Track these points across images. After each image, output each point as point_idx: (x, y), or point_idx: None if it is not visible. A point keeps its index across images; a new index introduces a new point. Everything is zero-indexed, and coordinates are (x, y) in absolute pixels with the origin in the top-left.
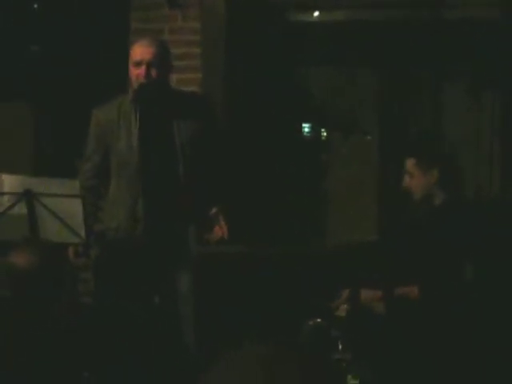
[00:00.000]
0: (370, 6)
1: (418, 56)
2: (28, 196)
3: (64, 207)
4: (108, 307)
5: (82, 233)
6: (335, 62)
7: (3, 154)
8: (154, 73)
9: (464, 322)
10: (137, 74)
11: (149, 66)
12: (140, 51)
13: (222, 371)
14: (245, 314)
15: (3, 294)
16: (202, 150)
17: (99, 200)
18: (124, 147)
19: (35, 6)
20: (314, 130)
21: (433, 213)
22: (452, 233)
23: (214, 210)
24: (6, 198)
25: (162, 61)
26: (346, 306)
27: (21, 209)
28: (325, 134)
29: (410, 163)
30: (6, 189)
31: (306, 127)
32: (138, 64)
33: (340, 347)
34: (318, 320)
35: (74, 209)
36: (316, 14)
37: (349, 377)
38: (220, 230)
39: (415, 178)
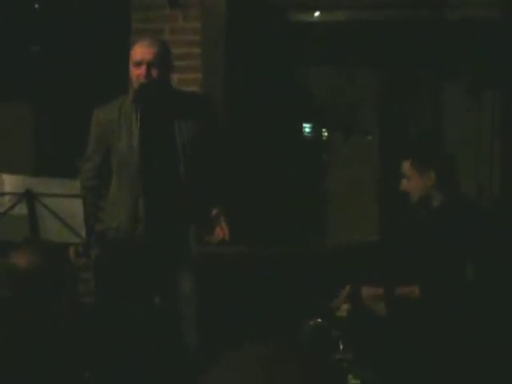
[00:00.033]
0: (371, 6)
1: (418, 56)
2: (29, 196)
3: (64, 207)
4: (108, 307)
5: (83, 233)
6: (335, 62)
7: (4, 154)
8: (154, 73)
9: (464, 322)
10: (137, 74)
11: (149, 66)
12: (140, 51)
13: (222, 371)
14: (245, 314)
15: (3, 294)
16: (202, 150)
17: (100, 200)
18: (125, 147)
19: (36, 6)
20: (315, 129)
21: (431, 214)
22: (451, 233)
23: (214, 211)
24: (6, 198)
25: (162, 61)
26: (346, 306)
27: (21, 209)
28: (325, 134)
29: (406, 165)
30: (7, 189)
31: (307, 127)
32: (138, 64)
33: (341, 347)
34: (319, 320)
35: (74, 209)
36: (316, 14)
37: (350, 377)
38: (221, 231)
39: (412, 181)
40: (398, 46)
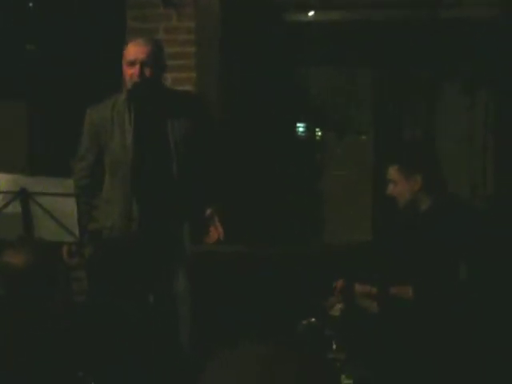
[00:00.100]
0: (370, 6)
1: (417, 56)
2: (23, 195)
3: (59, 206)
4: (102, 306)
5: (77, 232)
6: (334, 62)
7: None
8: (147, 72)
9: (458, 321)
10: (131, 73)
11: (143, 65)
12: (134, 51)
13: (221, 371)
14: (244, 314)
15: None
16: (195, 149)
17: (93, 199)
18: (118, 146)
19: (33, 5)
20: (311, 129)
21: (422, 217)
22: (443, 234)
23: (208, 211)
24: (0, 196)
25: (155, 60)
26: (340, 305)
27: (15, 208)
28: (319, 133)
29: (392, 170)
30: (1, 188)
31: (304, 127)
32: (131, 63)
33: (334, 347)
34: (312, 319)
35: (68, 208)
36: (313, 13)
37: (343, 376)
38: (216, 232)
39: (399, 185)
40: (398, 46)
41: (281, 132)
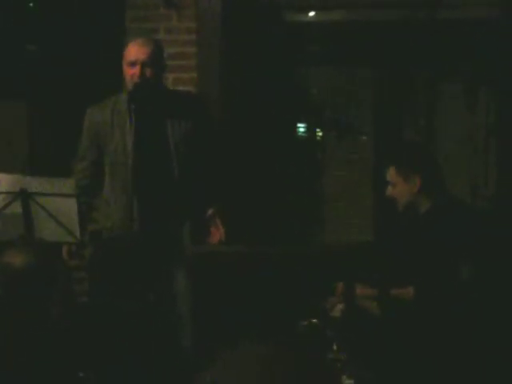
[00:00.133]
0: (370, 6)
1: (417, 56)
2: (23, 195)
3: (59, 207)
4: (102, 306)
5: (77, 232)
6: (335, 62)
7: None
8: (148, 73)
9: (460, 321)
10: (131, 73)
11: (143, 65)
12: (134, 51)
13: (221, 371)
14: (244, 314)
15: None
16: (196, 149)
17: (93, 199)
18: (118, 146)
19: (33, 5)
20: (312, 129)
21: (422, 218)
22: (444, 234)
23: (210, 211)
24: (0, 197)
25: (156, 60)
26: (341, 306)
27: (16, 208)
28: (320, 134)
29: (391, 172)
30: (2, 188)
31: (305, 127)
32: (132, 64)
33: (335, 347)
34: (313, 320)
35: (69, 208)
36: (313, 14)
37: (343, 377)
38: (217, 233)
39: (398, 187)
40: (398, 46)
41: (281, 132)
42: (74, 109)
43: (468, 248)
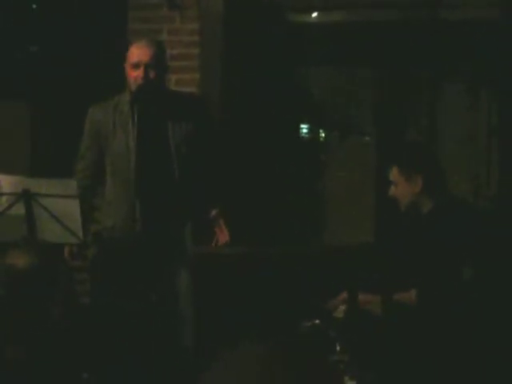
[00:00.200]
0: (370, 7)
1: (417, 56)
2: (26, 196)
3: (62, 208)
4: (104, 307)
5: (80, 233)
6: (335, 63)
7: (1, 154)
8: (151, 74)
9: (462, 322)
10: (135, 75)
11: (146, 67)
12: (137, 53)
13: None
14: (245, 315)
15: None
16: (197, 150)
17: (95, 199)
18: (120, 147)
19: (34, 6)
20: (313, 130)
21: (424, 218)
22: (446, 235)
23: (213, 212)
24: (3, 198)
25: (159, 62)
26: (343, 307)
27: (19, 209)
28: (321, 134)
29: (393, 172)
30: (4, 189)
31: (305, 127)
32: (135, 66)
33: (338, 348)
34: (316, 321)
35: (71, 209)
36: (315, 14)
37: (346, 378)
38: (222, 235)
39: (400, 187)
40: (398, 46)
41: (282, 132)
42: (75, 109)
43: (469, 248)
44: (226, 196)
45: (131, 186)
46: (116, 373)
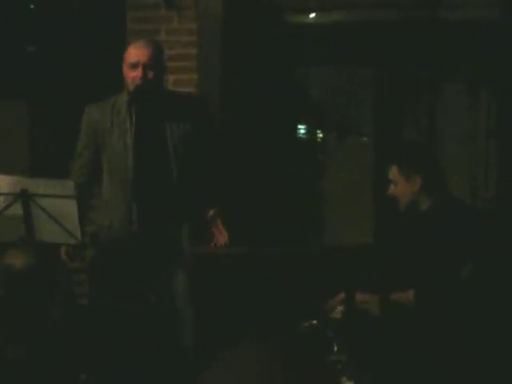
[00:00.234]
0: (370, 7)
1: (417, 56)
2: (24, 197)
3: (60, 208)
4: (102, 307)
5: (78, 234)
6: (335, 63)
7: (0, 154)
8: (149, 75)
9: (459, 322)
10: (133, 76)
11: (145, 67)
12: (135, 53)
13: (221, 371)
14: (244, 315)
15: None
16: (195, 150)
17: (91, 198)
18: (117, 146)
19: (33, 6)
20: (313, 130)
21: (422, 218)
22: (444, 234)
23: (211, 212)
24: (1, 198)
25: (157, 62)
26: (341, 307)
27: (16, 209)
28: (320, 134)
29: (393, 171)
30: (2, 189)
31: (305, 128)
32: (133, 66)
33: (335, 349)
34: (314, 322)
35: (69, 210)
36: (314, 15)
37: (343, 378)
38: (221, 236)
39: (399, 186)
40: (397, 46)
41: (281, 133)
42: (75, 109)
43: (468, 248)
44: (225, 196)
45: (128, 185)
46: (115, 373)
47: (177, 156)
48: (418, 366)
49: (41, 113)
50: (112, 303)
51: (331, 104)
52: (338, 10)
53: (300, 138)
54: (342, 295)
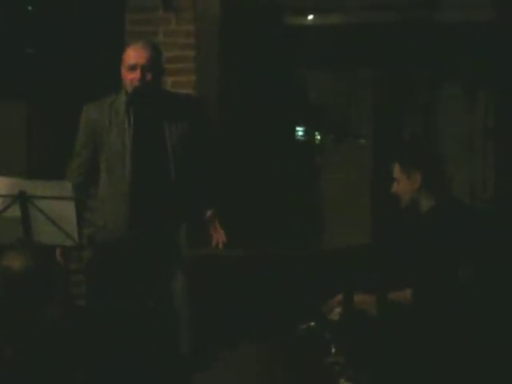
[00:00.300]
0: (368, 8)
1: (416, 57)
2: (22, 198)
3: (58, 210)
4: (100, 308)
5: (75, 235)
6: (334, 64)
7: None
8: (148, 76)
9: (458, 322)
10: (131, 78)
11: (143, 69)
12: (134, 55)
13: (220, 371)
14: (244, 316)
15: None
16: (194, 151)
17: (89, 200)
18: (116, 144)
19: (32, 7)
20: (311, 132)
21: (423, 217)
22: (444, 235)
23: (209, 213)
24: None
25: (155, 64)
26: (338, 309)
27: (14, 211)
28: (319, 136)
29: (396, 168)
30: (0, 191)
31: (304, 129)
32: (132, 68)
33: (333, 350)
34: (311, 323)
35: (67, 211)
36: (312, 16)
37: (342, 380)
38: (219, 236)
39: (401, 183)
40: (396, 48)
41: (280, 134)
42: (74, 109)
43: (468, 248)
44: (224, 197)
45: (126, 185)
46: (113, 373)
47: (175, 156)
48: (416, 366)
49: (40, 113)
50: (110, 304)
51: (330, 105)
52: (337, 12)
53: (299, 139)
54: (339, 297)
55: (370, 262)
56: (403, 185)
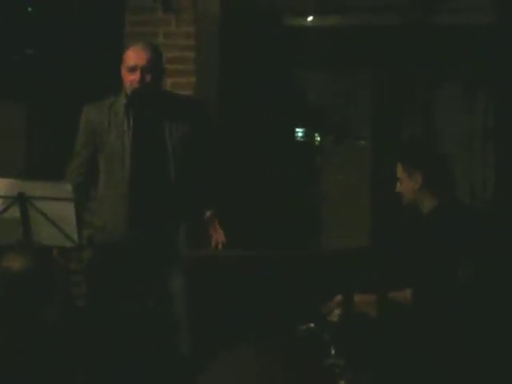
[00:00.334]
0: (368, 10)
1: (416, 58)
2: (21, 199)
3: (57, 211)
4: (100, 308)
5: (75, 236)
6: (334, 66)
7: None
8: (148, 78)
9: (458, 322)
10: (131, 79)
11: (143, 71)
12: (134, 56)
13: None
14: (243, 316)
15: None
16: (194, 152)
17: (88, 202)
18: (116, 145)
19: (31, 8)
20: (311, 134)
21: (425, 217)
22: (446, 235)
23: (208, 213)
24: None
25: (155, 66)
26: (338, 310)
27: (14, 212)
28: (318, 138)
29: (398, 168)
30: (0, 192)
31: (303, 131)
32: (132, 69)
33: (333, 352)
34: (311, 325)
35: (66, 212)
36: (311, 18)
37: (341, 382)
38: (218, 237)
39: (404, 183)
40: (396, 49)
41: (280, 135)
42: (73, 110)
43: (469, 248)
44: (223, 198)
45: (125, 186)
46: (113, 374)
47: (175, 157)
48: (416, 366)
49: (40, 113)
50: (110, 304)
51: (330, 106)
52: (336, 13)
53: (298, 140)
54: (339, 298)
55: (369, 263)
56: (405, 184)
